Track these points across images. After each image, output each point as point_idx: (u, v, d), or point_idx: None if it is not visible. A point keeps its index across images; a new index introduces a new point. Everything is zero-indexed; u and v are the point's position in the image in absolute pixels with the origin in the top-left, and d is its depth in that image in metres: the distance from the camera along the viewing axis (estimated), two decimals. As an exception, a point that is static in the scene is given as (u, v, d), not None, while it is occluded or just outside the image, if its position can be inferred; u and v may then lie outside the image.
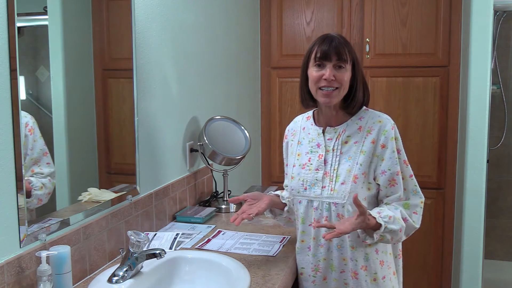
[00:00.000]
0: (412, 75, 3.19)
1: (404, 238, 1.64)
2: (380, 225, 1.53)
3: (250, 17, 3.27)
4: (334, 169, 1.65)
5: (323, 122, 1.72)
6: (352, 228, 1.50)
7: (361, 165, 1.62)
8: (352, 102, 1.67)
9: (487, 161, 2.83)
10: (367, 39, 3.21)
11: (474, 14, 2.75)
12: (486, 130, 2.80)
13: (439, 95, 3.15)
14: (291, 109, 3.41)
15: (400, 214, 1.60)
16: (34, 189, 1.37)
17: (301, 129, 1.78)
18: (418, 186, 1.67)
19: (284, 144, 1.85)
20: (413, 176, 1.67)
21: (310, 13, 3.31)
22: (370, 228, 1.55)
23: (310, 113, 1.80)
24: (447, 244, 3.22)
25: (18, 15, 1.27)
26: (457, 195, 3.14)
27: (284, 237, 1.90)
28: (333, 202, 1.62)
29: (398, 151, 1.64)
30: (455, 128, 3.13)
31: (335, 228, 1.50)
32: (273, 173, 3.51)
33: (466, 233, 2.90)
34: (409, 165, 1.66)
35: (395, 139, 1.64)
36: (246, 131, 2.41)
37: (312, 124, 1.75)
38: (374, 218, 1.54)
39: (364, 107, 1.72)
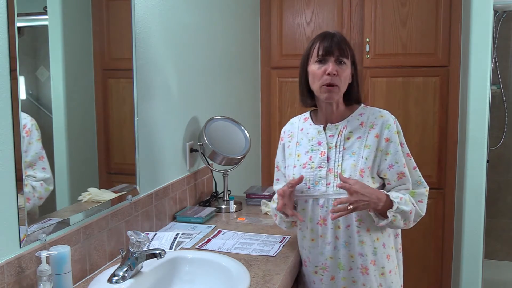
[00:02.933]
0: (412, 75, 3.19)
1: (412, 224, 1.67)
2: (392, 204, 1.57)
3: (250, 17, 3.27)
4: (338, 165, 1.65)
5: (323, 119, 1.73)
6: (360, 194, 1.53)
7: (366, 159, 1.63)
8: (353, 97, 1.72)
9: (487, 161, 2.83)
10: (367, 39, 3.20)
11: (474, 14, 2.75)
12: (486, 130, 2.80)
13: (439, 95, 3.15)
14: (291, 109, 3.40)
15: (409, 198, 1.64)
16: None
17: (299, 130, 1.78)
18: (421, 176, 1.73)
19: (280, 145, 1.84)
20: (417, 168, 1.72)
21: (310, 13, 3.31)
22: (381, 208, 1.57)
23: (306, 114, 1.81)
24: (447, 244, 3.22)
25: (18, 15, 1.27)
26: (457, 195, 3.14)
27: (284, 237, 1.90)
28: (339, 198, 1.62)
29: (401, 145, 1.68)
30: (455, 128, 3.13)
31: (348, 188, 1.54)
32: (273, 173, 3.46)
33: (466, 233, 2.90)
34: (412, 158, 1.71)
35: (397, 133, 1.68)
36: (246, 131, 2.41)
37: (310, 124, 1.75)
38: (387, 195, 1.58)
39: (363, 104, 1.74)
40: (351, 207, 1.53)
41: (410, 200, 1.64)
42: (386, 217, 1.58)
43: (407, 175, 1.66)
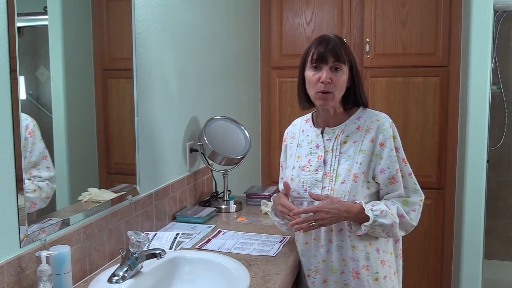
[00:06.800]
0: (412, 75, 3.19)
1: (401, 233, 1.64)
2: (369, 217, 1.55)
3: (250, 17, 3.27)
4: (333, 169, 1.65)
5: (322, 123, 1.73)
6: (328, 209, 1.55)
7: (360, 164, 1.62)
8: (351, 101, 1.69)
9: (487, 161, 2.83)
10: (367, 39, 3.20)
11: (474, 14, 2.75)
12: (486, 130, 2.80)
13: (439, 95, 3.15)
14: (291, 109, 3.41)
15: (396, 210, 1.61)
16: (26, 192, 1.33)
17: (300, 132, 1.78)
18: (417, 184, 1.68)
19: (283, 146, 1.85)
20: (412, 174, 1.68)
21: (310, 13, 3.31)
22: (358, 220, 1.57)
23: (309, 115, 1.81)
24: (447, 244, 3.22)
25: (18, 15, 1.27)
26: (457, 195, 3.14)
27: (284, 237, 1.89)
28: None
29: (397, 150, 1.65)
30: (455, 128, 3.13)
31: (312, 211, 1.56)
32: (273, 173, 3.51)
33: (466, 233, 2.90)
34: (408, 164, 1.67)
35: (393, 138, 1.65)
36: (246, 131, 2.41)
37: (311, 126, 1.76)
38: (363, 209, 1.57)
39: (362, 107, 1.73)
40: (314, 224, 1.57)
41: (398, 212, 1.61)
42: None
43: (399, 180, 1.63)
